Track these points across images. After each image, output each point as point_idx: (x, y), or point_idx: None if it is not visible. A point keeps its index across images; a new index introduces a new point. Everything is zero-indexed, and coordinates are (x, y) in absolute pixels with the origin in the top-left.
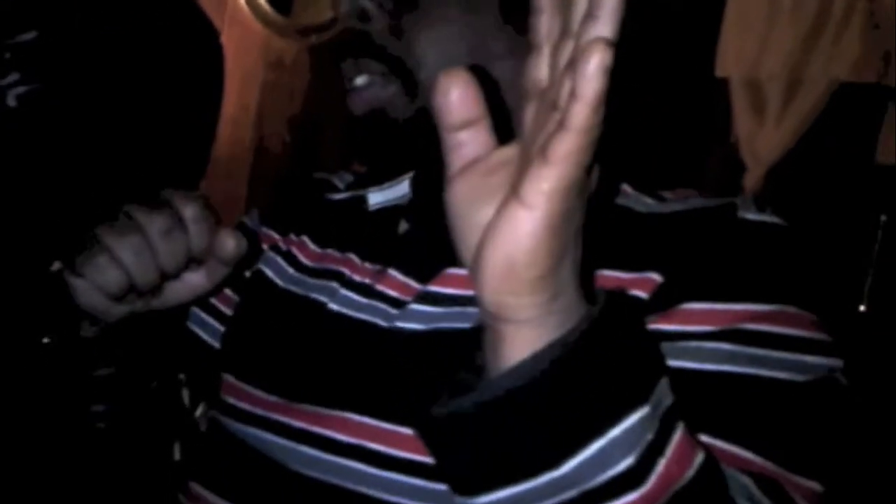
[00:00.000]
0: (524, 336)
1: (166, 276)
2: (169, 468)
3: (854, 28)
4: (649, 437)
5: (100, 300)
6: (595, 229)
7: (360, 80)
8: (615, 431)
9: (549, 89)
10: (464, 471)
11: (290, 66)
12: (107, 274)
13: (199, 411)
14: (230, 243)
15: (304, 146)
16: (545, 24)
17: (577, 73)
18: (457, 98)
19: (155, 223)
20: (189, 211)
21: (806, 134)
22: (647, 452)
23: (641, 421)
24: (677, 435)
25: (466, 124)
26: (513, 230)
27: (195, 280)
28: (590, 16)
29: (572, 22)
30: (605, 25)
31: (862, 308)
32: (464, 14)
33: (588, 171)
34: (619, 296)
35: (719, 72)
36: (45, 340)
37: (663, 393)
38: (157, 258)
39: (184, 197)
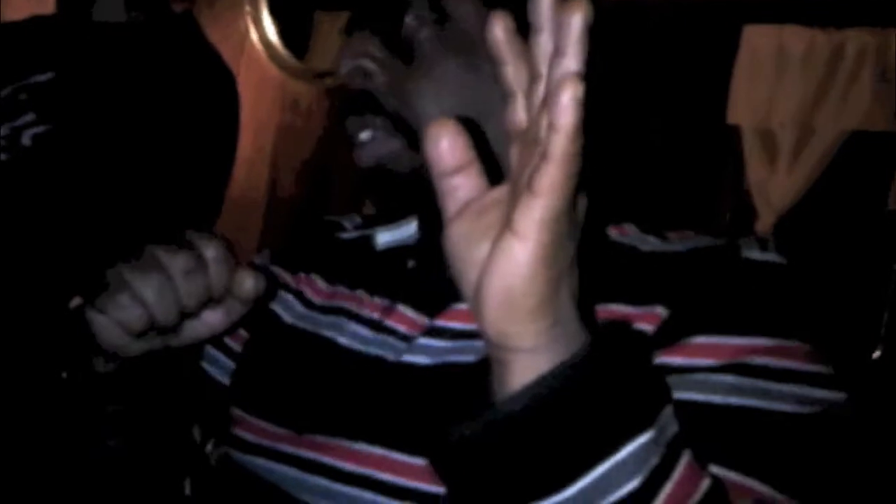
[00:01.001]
0: (527, 364)
1: (186, 315)
2: (180, 503)
3: (865, 78)
4: (654, 461)
5: (120, 337)
6: (591, 260)
7: (363, 136)
8: (620, 455)
9: (529, 128)
10: (471, 495)
11: (305, 110)
12: (129, 311)
13: (209, 447)
14: (249, 283)
15: (316, 188)
16: (511, 73)
17: (552, 107)
18: (446, 146)
19: (177, 262)
20: (211, 251)
21: (817, 181)
22: (652, 476)
23: (646, 445)
24: (683, 460)
25: (458, 170)
26: (508, 261)
27: (213, 319)
28: (558, 53)
29: (538, 65)
30: (572, 59)
31: (877, 354)
32: (462, 69)
33: (574, 200)
34: (619, 325)
35: (731, 119)
36: (63, 375)
37: (668, 420)
38: (178, 297)
39: (205, 238)
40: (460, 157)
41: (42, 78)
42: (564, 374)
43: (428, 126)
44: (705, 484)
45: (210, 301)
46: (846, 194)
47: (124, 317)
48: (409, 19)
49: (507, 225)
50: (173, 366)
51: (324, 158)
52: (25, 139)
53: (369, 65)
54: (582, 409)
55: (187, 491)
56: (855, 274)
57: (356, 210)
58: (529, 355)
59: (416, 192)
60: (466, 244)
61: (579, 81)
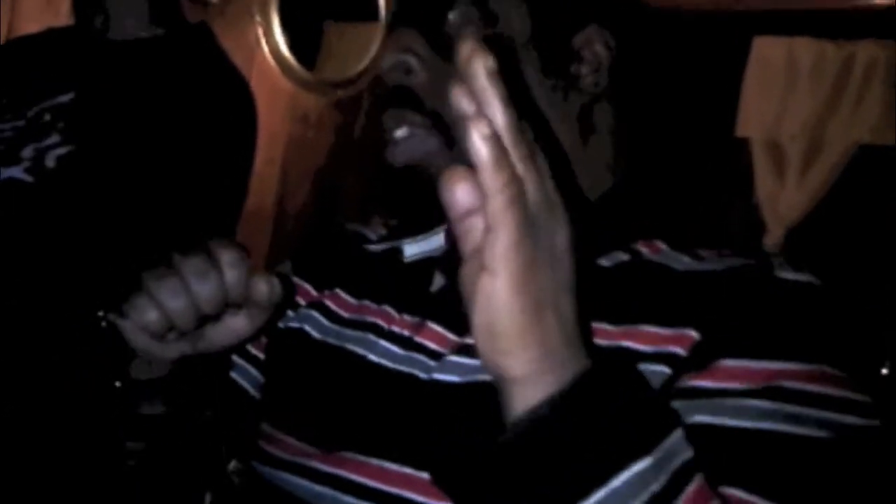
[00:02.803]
0: (521, 393)
1: (205, 318)
2: None
3: (874, 91)
4: (655, 488)
5: (145, 340)
6: (589, 287)
7: (400, 133)
8: (615, 483)
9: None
10: None
11: (315, 121)
12: (147, 314)
13: (231, 465)
14: (264, 287)
15: (326, 200)
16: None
17: (469, 148)
18: (461, 191)
19: (191, 266)
20: (225, 256)
21: (826, 194)
22: (652, 503)
23: (644, 472)
24: (692, 487)
25: (472, 212)
26: (485, 296)
27: (237, 324)
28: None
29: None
30: (486, 102)
31: (884, 371)
32: (505, 68)
33: (531, 227)
34: (616, 352)
35: (740, 132)
36: (118, 384)
37: (675, 446)
38: (193, 299)
39: (221, 243)
40: (474, 201)
41: (65, 98)
42: (554, 404)
43: (443, 173)
44: None
45: (229, 306)
46: (855, 208)
47: (143, 319)
48: (453, 17)
49: (480, 265)
50: (207, 374)
51: (333, 170)
52: (49, 160)
53: (411, 61)
54: (573, 438)
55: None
56: (863, 288)
57: (364, 223)
58: (521, 386)
59: None
60: (473, 284)
61: (485, 121)
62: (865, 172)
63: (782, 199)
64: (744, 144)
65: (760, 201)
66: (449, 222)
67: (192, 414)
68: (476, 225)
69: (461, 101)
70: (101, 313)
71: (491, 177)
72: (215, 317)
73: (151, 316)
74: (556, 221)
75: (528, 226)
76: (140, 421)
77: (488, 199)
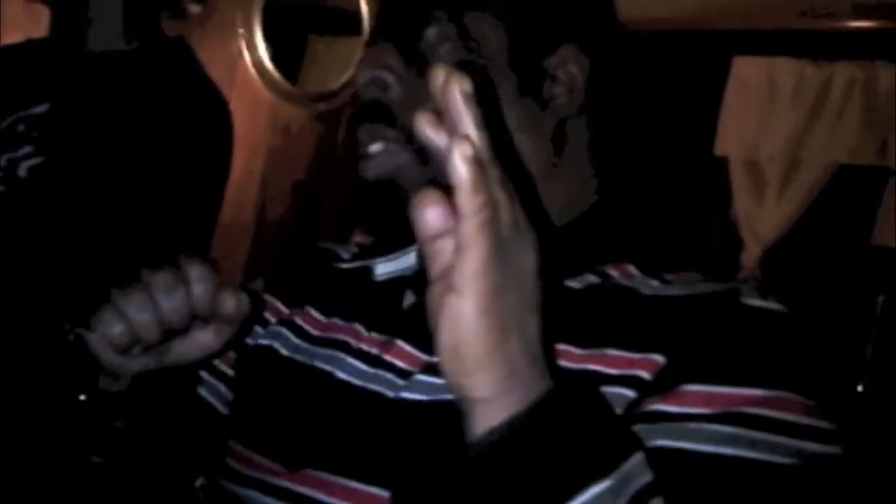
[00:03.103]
0: (484, 413)
1: (171, 332)
2: None
3: (853, 112)
4: None
5: (111, 353)
6: (554, 309)
7: (374, 147)
8: None
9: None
10: None
11: (297, 134)
12: (113, 327)
13: (198, 481)
14: (231, 301)
15: (306, 212)
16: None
17: (449, 170)
18: (432, 214)
19: (158, 280)
20: (193, 271)
21: (804, 214)
22: None
23: (601, 495)
24: None
25: (442, 234)
26: (451, 316)
27: (203, 338)
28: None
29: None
30: (462, 124)
31: (860, 388)
32: (481, 87)
33: (501, 249)
34: (578, 376)
35: (719, 150)
36: (82, 398)
37: (635, 470)
38: (159, 313)
39: (189, 259)
40: (445, 224)
41: (39, 109)
42: (514, 424)
43: (415, 194)
44: None
45: (197, 320)
46: (832, 228)
47: (109, 332)
48: (429, 33)
49: (448, 285)
50: (173, 389)
51: (314, 183)
52: (22, 171)
53: (387, 76)
54: (532, 458)
55: None
56: (839, 306)
57: (345, 235)
58: (485, 405)
59: None
60: (439, 305)
61: (468, 142)
62: (843, 192)
63: (760, 217)
64: (723, 163)
65: (738, 219)
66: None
67: (156, 429)
68: (445, 246)
69: (425, 128)
70: (67, 326)
71: (468, 198)
72: (183, 330)
73: (117, 329)
74: (525, 244)
75: (499, 248)
76: (104, 434)
77: (462, 220)
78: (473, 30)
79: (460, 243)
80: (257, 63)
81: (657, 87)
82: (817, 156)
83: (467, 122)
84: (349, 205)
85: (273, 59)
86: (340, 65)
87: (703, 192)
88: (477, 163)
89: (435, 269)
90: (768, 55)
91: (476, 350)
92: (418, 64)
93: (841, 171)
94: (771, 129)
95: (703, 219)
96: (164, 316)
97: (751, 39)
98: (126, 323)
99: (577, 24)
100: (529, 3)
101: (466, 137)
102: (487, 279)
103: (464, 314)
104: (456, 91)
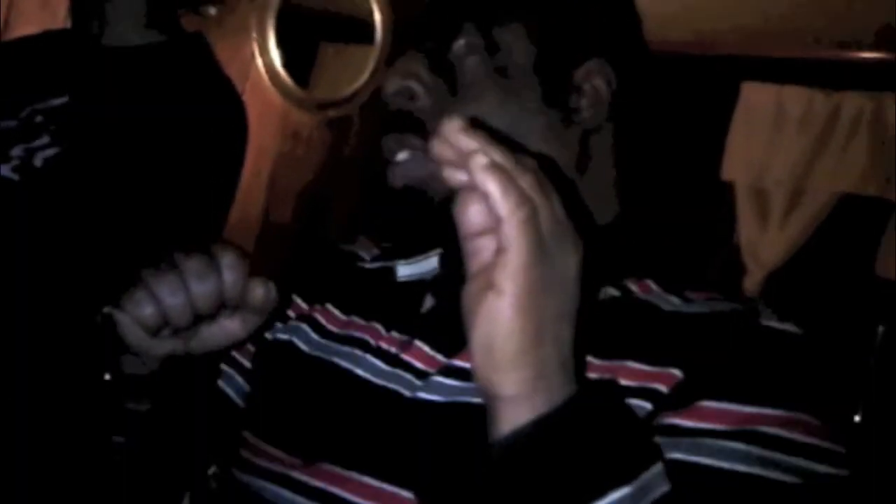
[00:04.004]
0: (510, 412)
1: (200, 317)
2: None
3: (860, 142)
4: None
5: (139, 334)
6: (592, 317)
7: (401, 156)
8: None
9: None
10: None
11: (306, 139)
12: (144, 308)
13: (211, 470)
14: (260, 291)
15: (312, 217)
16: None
17: (476, 180)
18: (474, 210)
19: (191, 264)
20: (225, 258)
21: (807, 242)
22: None
23: (620, 501)
24: None
25: (483, 232)
26: (488, 313)
27: (230, 326)
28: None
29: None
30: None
31: (857, 418)
32: (506, 96)
33: (543, 250)
34: (607, 383)
35: (725, 175)
36: (107, 377)
37: (654, 479)
38: (190, 297)
39: (221, 246)
40: (486, 222)
41: (57, 102)
42: (539, 425)
43: (459, 192)
44: None
45: (225, 307)
46: (835, 256)
47: (140, 313)
48: (457, 45)
49: (489, 282)
50: (195, 375)
51: (321, 188)
52: (37, 160)
53: (415, 86)
54: (555, 461)
55: None
56: (839, 335)
57: (350, 242)
58: (511, 404)
59: (442, 221)
60: (476, 301)
61: (479, 153)
62: (847, 222)
63: (763, 243)
64: (728, 187)
65: (742, 244)
66: (447, 243)
67: (177, 413)
68: (486, 245)
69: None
70: (96, 306)
71: (501, 201)
72: (210, 317)
73: (148, 310)
74: (568, 247)
75: (540, 249)
76: (126, 415)
77: (502, 222)
78: (501, 41)
79: (502, 243)
80: (269, 67)
81: (666, 110)
82: (822, 184)
83: (474, 144)
84: (356, 212)
85: (285, 64)
86: (351, 73)
87: (708, 215)
88: (498, 168)
89: (474, 266)
90: (777, 82)
91: (509, 348)
92: (446, 74)
93: (845, 200)
94: (777, 155)
95: (706, 242)
96: (194, 300)
97: (760, 65)
98: (157, 305)
99: (605, 38)
100: (558, 16)
101: (476, 151)
102: (527, 278)
103: (501, 312)
104: (453, 127)
